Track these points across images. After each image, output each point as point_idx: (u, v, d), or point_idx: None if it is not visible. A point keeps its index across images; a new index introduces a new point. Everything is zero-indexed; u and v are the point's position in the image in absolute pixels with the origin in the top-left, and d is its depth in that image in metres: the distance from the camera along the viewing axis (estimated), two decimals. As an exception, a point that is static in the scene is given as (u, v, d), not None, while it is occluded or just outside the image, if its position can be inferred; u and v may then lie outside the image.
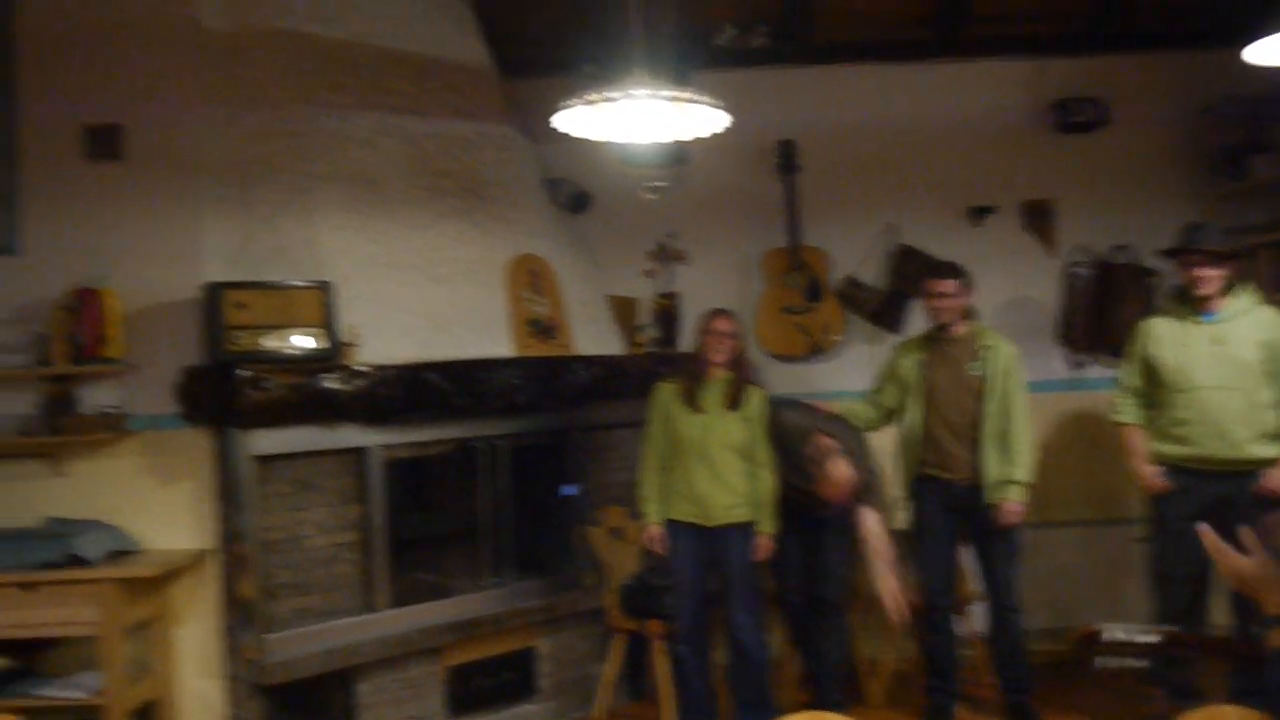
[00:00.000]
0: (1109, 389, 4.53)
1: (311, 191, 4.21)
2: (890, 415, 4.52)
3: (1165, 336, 4.15)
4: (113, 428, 3.99)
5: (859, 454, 4.15)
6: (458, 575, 4.60)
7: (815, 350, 5.43)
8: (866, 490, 4.12)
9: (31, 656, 3.94)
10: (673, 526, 4.28)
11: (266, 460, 3.93)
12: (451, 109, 4.72)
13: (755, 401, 4.25)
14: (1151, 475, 4.18)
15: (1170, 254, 4.23)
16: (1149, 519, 4.33)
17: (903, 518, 4.51)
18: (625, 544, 4.71)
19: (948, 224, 5.46)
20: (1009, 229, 5.49)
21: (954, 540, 4.44)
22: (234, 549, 3.92)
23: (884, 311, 5.39)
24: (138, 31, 4.09)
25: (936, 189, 5.49)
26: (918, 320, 5.31)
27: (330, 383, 3.92)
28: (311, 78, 4.34)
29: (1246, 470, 4.01)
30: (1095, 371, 5.38)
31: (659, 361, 4.89)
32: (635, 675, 4.83)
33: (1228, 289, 4.08)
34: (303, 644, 3.97)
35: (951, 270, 4.39)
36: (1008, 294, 5.43)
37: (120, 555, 3.91)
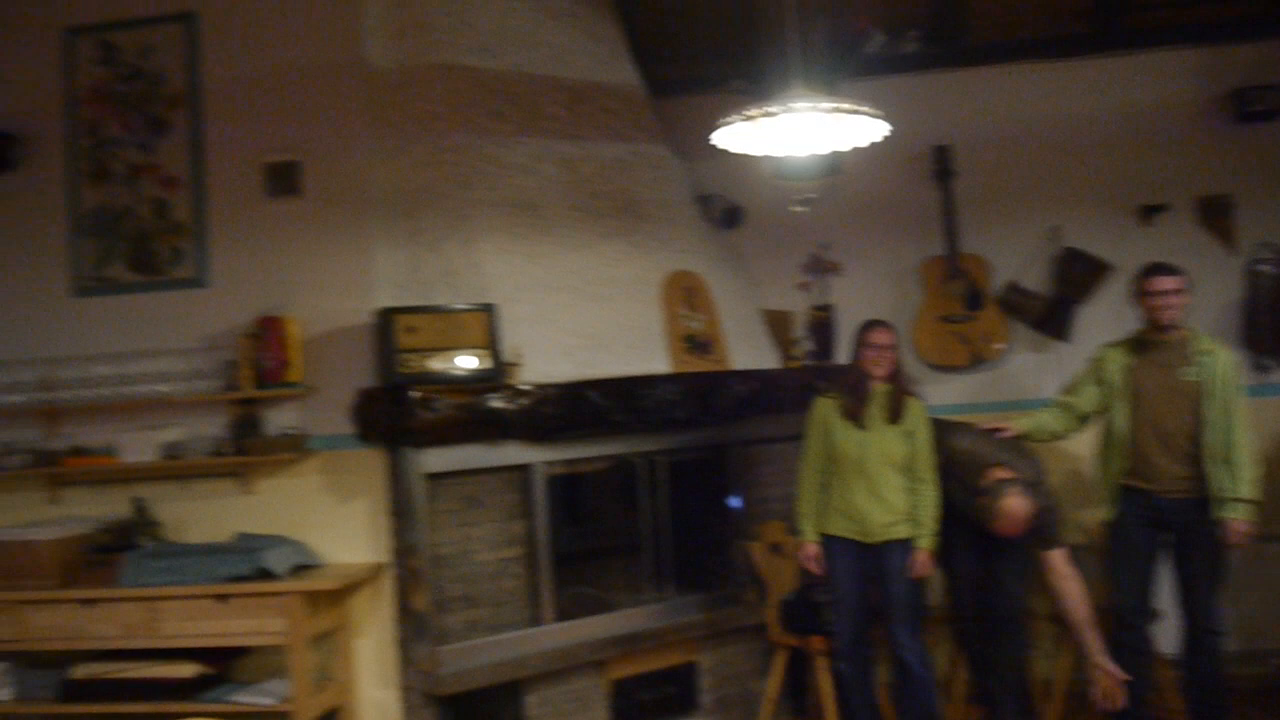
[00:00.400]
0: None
1: (474, 217, 4.35)
2: (1085, 420, 4.30)
3: None
4: (294, 448, 4.22)
5: (1038, 485, 3.97)
6: (619, 590, 4.66)
7: (977, 360, 5.28)
8: (1045, 524, 3.95)
9: (224, 664, 4.19)
10: (832, 542, 4.22)
11: (436, 478, 4.08)
12: (606, 131, 4.82)
13: (915, 413, 4.16)
14: None
15: None
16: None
17: (1093, 530, 4.32)
18: (784, 559, 4.67)
19: (1116, 224, 5.24)
20: (1183, 227, 5.22)
21: (1153, 556, 4.16)
22: (407, 563, 4.07)
23: (1049, 318, 5.21)
24: (312, 73, 4.33)
25: (1102, 188, 5.28)
26: (1086, 326, 5.13)
27: (496, 402, 4.04)
28: (472, 108, 4.50)
29: None
30: (1280, 375, 5.07)
31: (815, 374, 4.84)
32: (798, 692, 4.78)
33: None
34: (473, 656, 4.09)
35: (1170, 267, 4.12)
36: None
37: (304, 569, 4.12)
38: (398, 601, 4.14)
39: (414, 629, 4.05)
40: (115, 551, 4.08)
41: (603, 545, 4.74)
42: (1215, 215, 5.20)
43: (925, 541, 4.11)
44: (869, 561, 4.16)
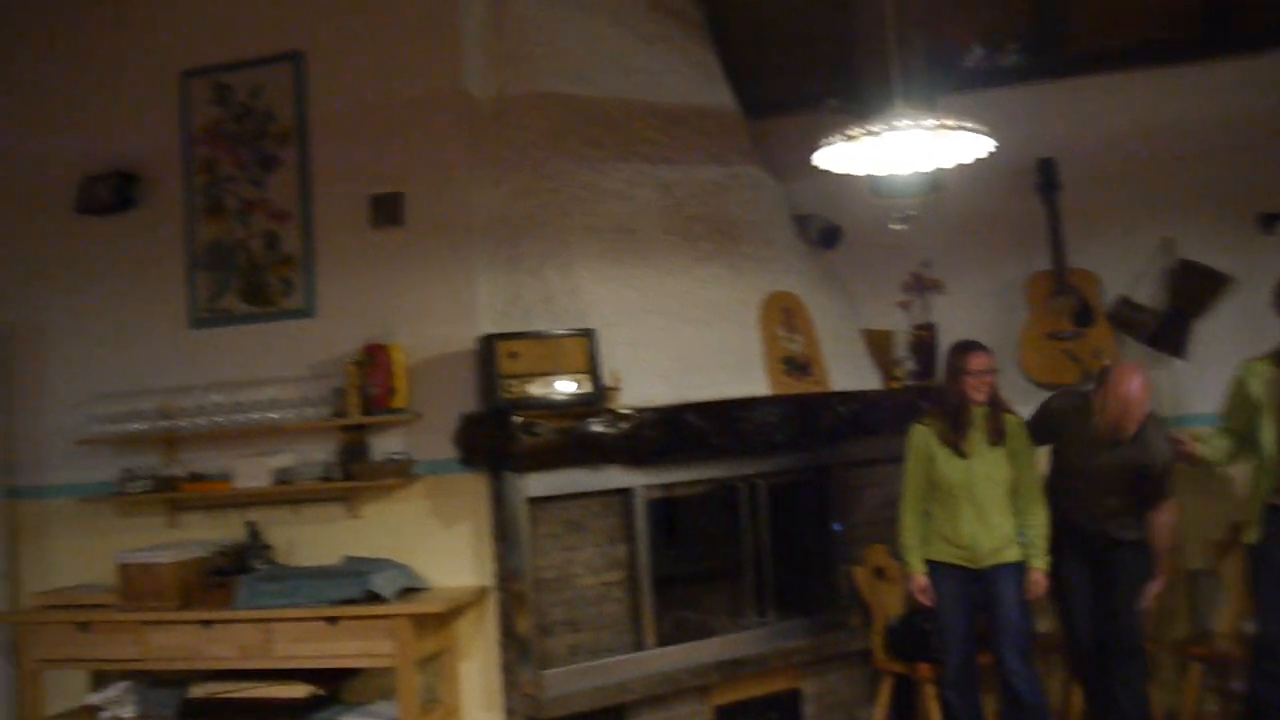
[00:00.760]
0: None
1: (573, 243, 4.40)
2: (1245, 441, 4.13)
3: None
4: (400, 473, 4.29)
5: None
6: (721, 614, 4.62)
7: (1087, 378, 5.11)
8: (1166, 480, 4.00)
9: (335, 685, 4.27)
10: (936, 568, 4.13)
11: (538, 502, 4.11)
12: (701, 154, 4.83)
13: (1016, 433, 4.07)
14: None
15: None
16: None
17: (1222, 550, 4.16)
18: (889, 584, 4.59)
19: (1233, 234, 5.02)
20: (1307, 235, 4.99)
21: None
22: (511, 587, 4.10)
23: (1163, 333, 5.02)
24: (414, 106, 4.42)
25: (1217, 197, 5.07)
26: (1204, 341, 4.94)
27: (596, 426, 4.06)
28: (568, 135, 4.55)
29: None
30: None
31: (917, 395, 4.76)
32: (905, 719, 4.69)
33: None
34: (576, 680, 4.10)
35: None
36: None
37: (410, 592, 4.17)
38: (501, 625, 4.17)
39: (518, 653, 4.07)
40: (230, 574, 4.20)
41: (704, 569, 4.71)
42: (1340, 221, 4.96)
43: (1039, 561, 4.02)
44: (976, 587, 4.07)
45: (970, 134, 2.91)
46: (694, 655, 4.34)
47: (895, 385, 5.04)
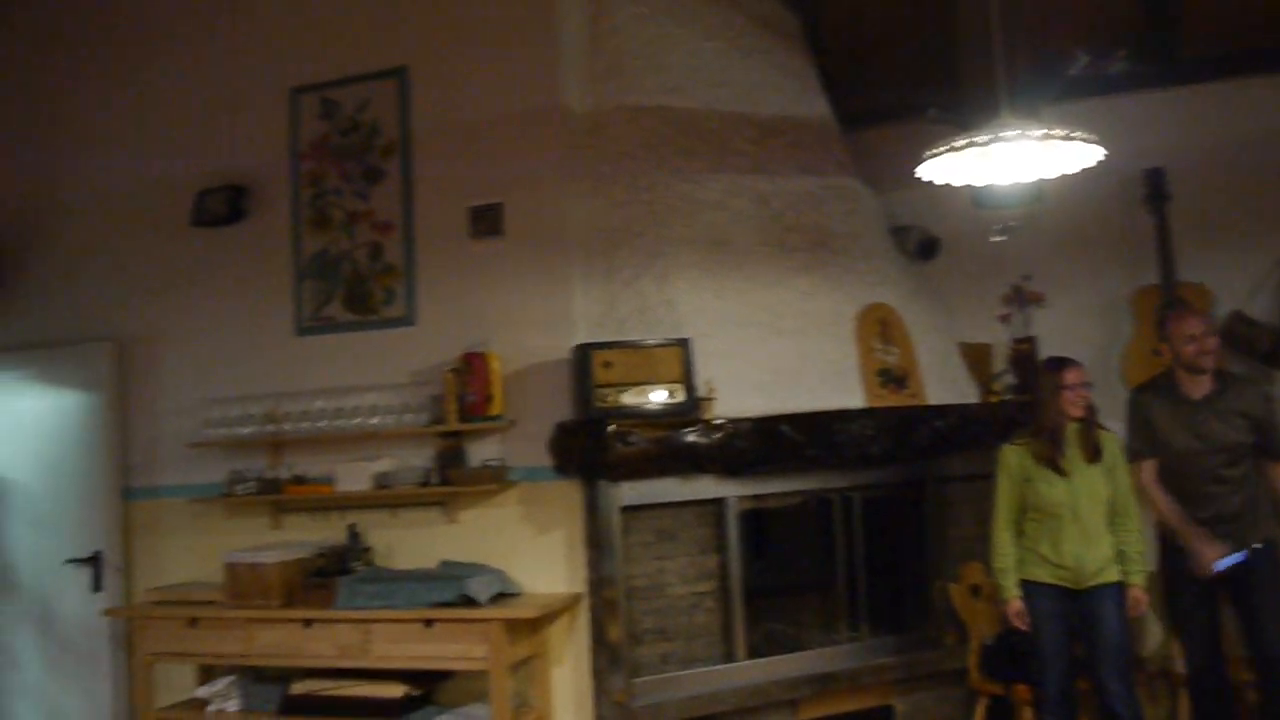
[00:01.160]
0: None
1: (668, 254, 4.42)
2: None
3: None
4: (495, 479, 4.35)
5: None
6: (812, 628, 4.59)
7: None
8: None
9: (429, 687, 4.35)
10: (1033, 589, 4.02)
11: (631, 510, 4.13)
12: (796, 165, 4.81)
13: (1111, 448, 3.97)
14: None
15: None
16: None
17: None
18: (984, 602, 4.49)
19: (1354, 247, 4.83)
20: None
21: None
22: (603, 594, 4.13)
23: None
24: (513, 119, 4.50)
25: (1336, 209, 4.88)
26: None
27: (690, 436, 4.07)
28: (664, 147, 4.59)
29: None
30: None
31: (1016, 410, 4.65)
32: (1001, 742, 4.57)
33: None
34: (667, 689, 4.11)
35: None
36: None
37: (504, 597, 4.23)
38: (593, 632, 4.19)
39: (609, 660, 4.10)
40: (331, 575, 4.31)
41: (795, 582, 4.69)
42: None
43: (1139, 578, 3.92)
44: (1074, 608, 3.96)
45: (1079, 143, 2.84)
46: (784, 668, 4.31)
47: (994, 400, 4.94)
